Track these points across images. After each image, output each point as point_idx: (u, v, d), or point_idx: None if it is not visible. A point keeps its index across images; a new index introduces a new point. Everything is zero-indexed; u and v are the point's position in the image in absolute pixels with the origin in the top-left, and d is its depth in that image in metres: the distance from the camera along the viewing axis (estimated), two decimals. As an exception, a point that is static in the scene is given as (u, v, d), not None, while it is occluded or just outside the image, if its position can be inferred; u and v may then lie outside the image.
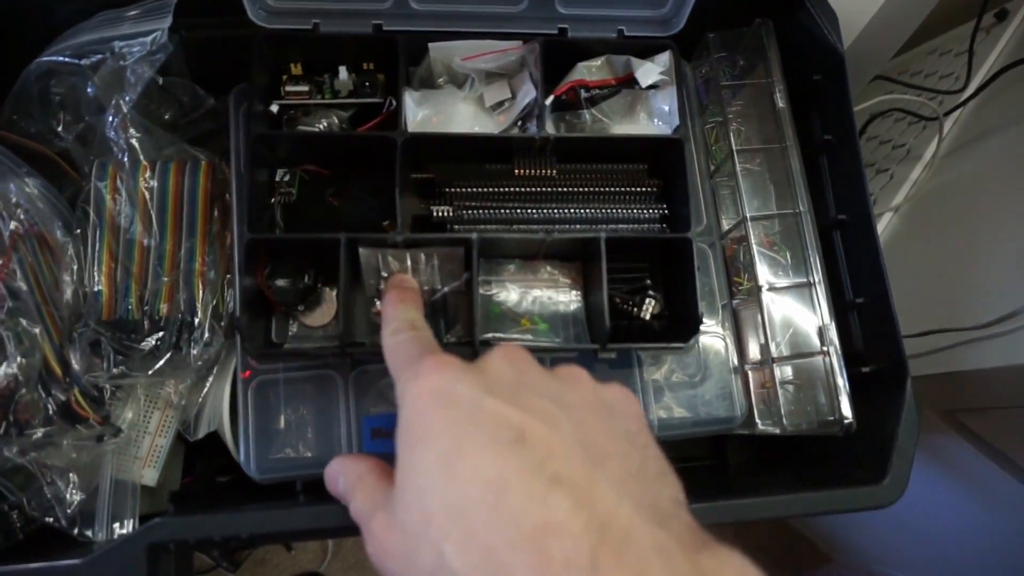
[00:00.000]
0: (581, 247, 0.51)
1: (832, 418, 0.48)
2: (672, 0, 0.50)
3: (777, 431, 0.49)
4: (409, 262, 0.47)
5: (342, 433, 0.48)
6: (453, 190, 0.50)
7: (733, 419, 0.51)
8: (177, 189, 0.49)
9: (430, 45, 0.50)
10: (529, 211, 0.51)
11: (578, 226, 0.51)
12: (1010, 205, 0.65)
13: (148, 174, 0.48)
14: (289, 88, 0.50)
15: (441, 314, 0.49)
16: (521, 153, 0.51)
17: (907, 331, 0.48)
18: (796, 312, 0.51)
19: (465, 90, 0.52)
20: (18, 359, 0.44)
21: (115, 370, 0.46)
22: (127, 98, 0.47)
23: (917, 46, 0.97)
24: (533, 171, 0.51)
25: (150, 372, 0.47)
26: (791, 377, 0.50)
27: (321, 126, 0.50)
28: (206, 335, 0.48)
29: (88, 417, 0.46)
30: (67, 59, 0.47)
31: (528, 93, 0.50)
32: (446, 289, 0.47)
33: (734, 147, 0.53)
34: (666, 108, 0.51)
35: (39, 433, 0.45)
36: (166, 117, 0.53)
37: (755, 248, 0.51)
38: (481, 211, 0.50)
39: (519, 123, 0.52)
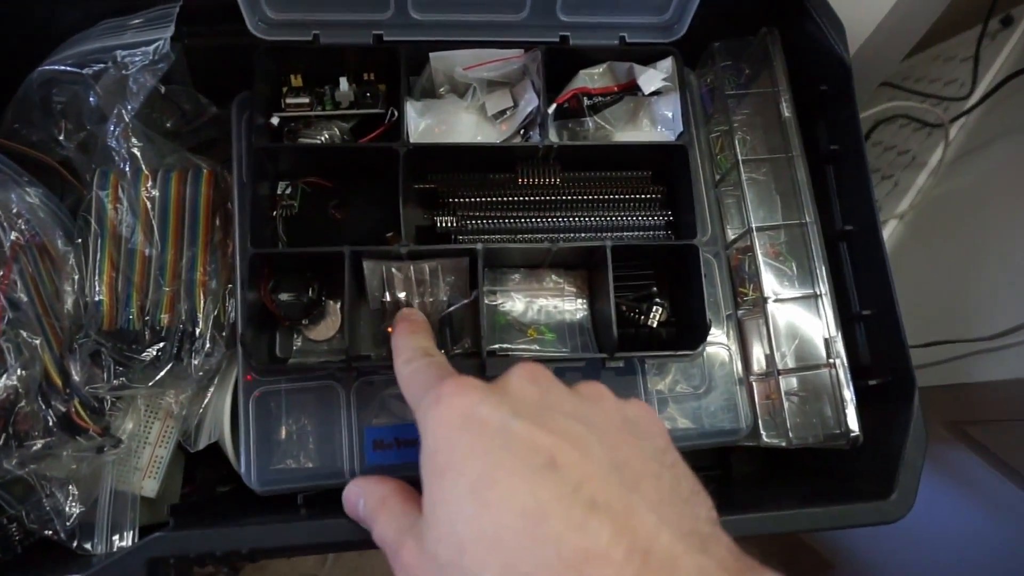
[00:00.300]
0: (586, 256, 0.51)
1: (838, 431, 0.47)
2: (674, 6, 0.50)
3: (783, 444, 0.48)
4: (413, 274, 0.47)
5: (344, 444, 0.48)
6: (456, 200, 0.49)
7: (738, 431, 0.51)
8: (179, 198, 0.49)
9: (431, 55, 0.50)
10: (533, 220, 0.50)
11: (583, 234, 0.51)
12: (1017, 214, 0.65)
13: (150, 183, 0.48)
14: (290, 100, 0.50)
15: (447, 326, 0.48)
16: (524, 162, 0.50)
17: (912, 341, 0.47)
18: (802, 323, 0.50)
19: (467, 99, 0.51)
20: (18, 371, 0.44)
21: (115, 381, 0.46)
22: (129, 107, 0.47)
23: (921, 51, 0.96)
24: (537, 180, 0.50)
25: (151, 383, 0.47)
26: (797, 389, 0.49)
27: (323, 138, 0.49)
28: (207, 345, 0.48)
29: (88, 428, 0.46)
30: (69, 68, 0.47)
31: (530, 101, 0.50)
32: (452, 308, 0.47)
33: (739, 156, 0.52)
34: (669, 114, 0.51)
35: (39, 444, 0.45)
36: (168, 125, 0.53)
37: (761, 259, 0.51)
38: (485, 221, 0.50)
39: (522, 132, 0.51)
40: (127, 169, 0.48)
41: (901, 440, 0.45)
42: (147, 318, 0.47)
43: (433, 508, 0.29)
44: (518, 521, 0.26)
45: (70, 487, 0.46)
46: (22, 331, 0.44)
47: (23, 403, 0.44)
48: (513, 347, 0.50)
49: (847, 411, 0.47)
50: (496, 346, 0.49)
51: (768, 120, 0.54)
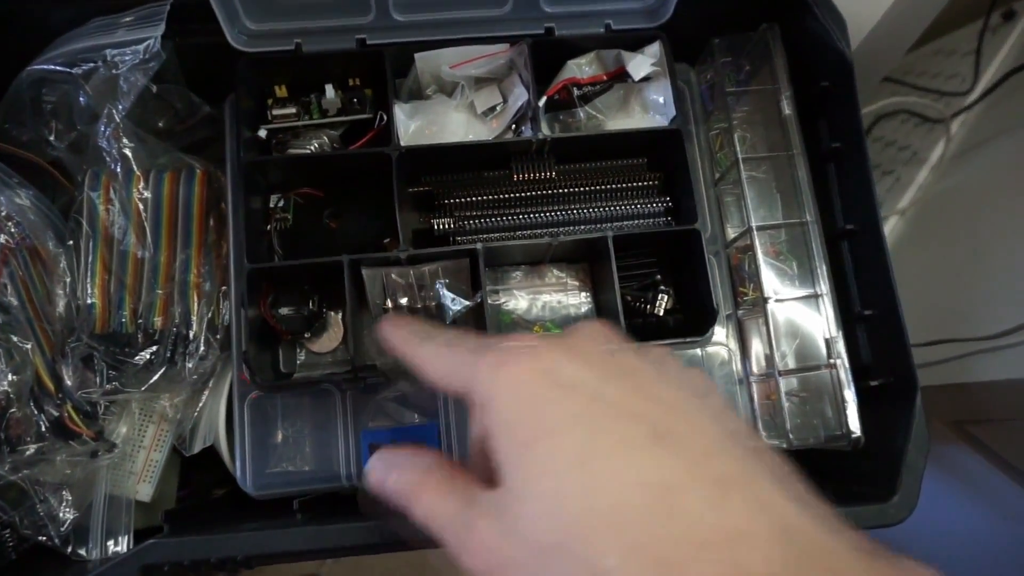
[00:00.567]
0: (588, 248, 0.50)
1: (839, 432, 0.47)
2: (658, -10, 0.49)
3: (783, 445, 0.48)
4: (414, 278, 0.46)
5: (340, 448, 0.47)
6: (453, 201, 0.49)
7: (738, 432, 0.50)
8: (172, 199, 0.48)
9: (416, 55, 0.49)
10: (532, 216, 0.50)
11: (583, 227, 0.50)
12: (1020, 211, 0.64)
13: (142, 184, 0.48)
14: (276, 111, 0.49)
15: (451, 328, 0.48)
16: (519, 157, 0.50)
17: (913, 340, 0.47)
18: (803, 323, 0.50)
19: (455, 98, 0.51)
20: (9, 376, 0.43)
21: (108, 385, 0.45)
22: (120, 107, 0.46)
23: (921, 46, 0.95)
24: (532, 175, 0.50)
25: (144, 388, 0.46)
26: (797, 389, 0.49)
27: (312, 147, 0.49)
28: (201, 348, 0.48)
29: (81, 433, 0.45)
30: (59, 67, 0.46)
31: (520, 96, 0.49)
32: (457, 311, 0.46)
33: (739, 154, 0.52)
34: (660, 99, 0.51)
35: (31, 449, 0.44)
36: (160, 124, 0.52)
37: (761, 258, 0.50)
38: (483, 220, 0.49)
39: (513, 127, 0.51)
40: (119, 170, 0.48)
41: (903, 442, 0.44)
42: (140, 321, 0.47)
43: (524, 483, 0.25)
44: (641, 496, 0.23)
45: (64, 492, 0.46)
46: (13, 335, 0.44)
47: (15, 408, 0.43)
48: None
49: (848, 412, 0.47)
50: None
51: (768, 117, 0.53)
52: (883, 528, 0.43)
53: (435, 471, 0.29)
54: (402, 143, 0.47)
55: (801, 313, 0.50)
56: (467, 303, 0.46)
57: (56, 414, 0.45)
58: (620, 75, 0.51)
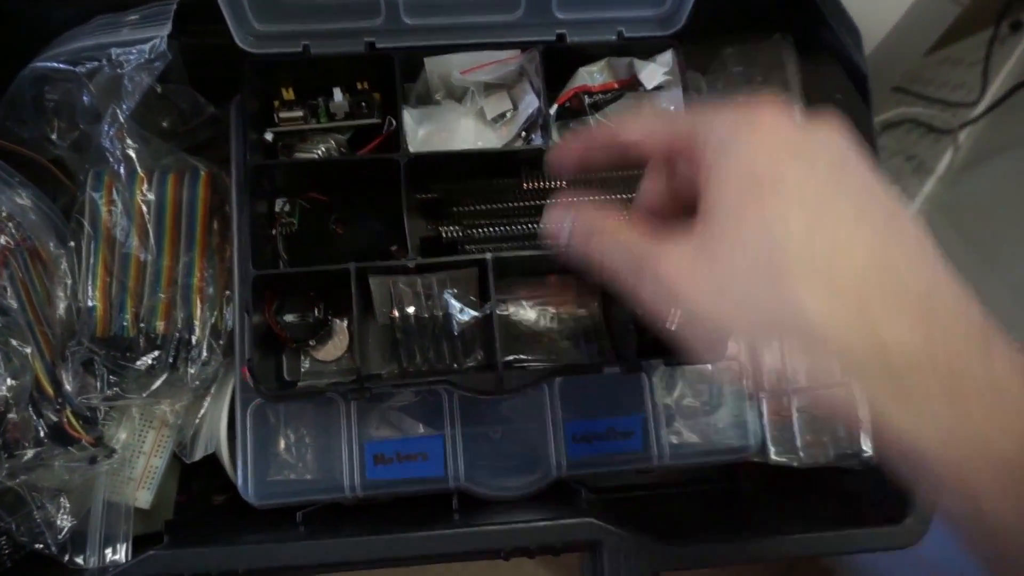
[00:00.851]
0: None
1: (850, 451, 0.46)
2: (671, -3, 0.49)
3: (793, 463, 0.47)
4: (421, 287, 0.45)
5: (344, 457, 0.46)
6: (461, 209, 0.48)
7: (746, 448, 0.49)
8: (175, 201, 0.47)
9: (426, 60, 0.48)
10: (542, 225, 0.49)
11: (594, 236, 0.49)
12: (1029, 226, 0.64)
13: (145, 185, 0.47)
14: (283, 114, 0.48)
15: (459, 339, 0.47)
16: (528, 165, 0.49)
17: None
18: (813, 339, 0.49)
19: (465, 104, 0.50)
20: (8, 380, 0.42)
21: (109, 391, 0.45)
22: (124, 107, 0.46)
23: (928, 55, 0.95)
24: (542, 183, 0.49)
25: (145, 394, 0.45)
26: (808, 407, 0.48)
27: (319, 152, 0.48)
28: (204, 354, 0.47)
29: (80, 438, 0.45)
30: (62, 65, 0.46)
31: (530, 103, 0.49)
32: (465, 321, 0.45)
33: (752, 166, 0.51)
34: (672, 108, 0.50)
35: (29, 455, 0.43)
36: (164, 125, 0.51)
37: (772, 272, 0.49)
38: (492, 229, 0.48)
39: (523, 134, 0.50)
40: (122, 170, 0.47)
41: (915, 462, 0.44)
42: (142, 325, 0.46)
43: (740, 222, 0.27)
44: (862, 252, 0.25)
45: (61, 499, 0.45)
46: (12, 339, 0.43)
47: (13, 413, 0.43)
48: (529, 358, 0.49)
49: (860, 430, 0.46)
50: (511, 357, 0.48)
51: (781, 129, 0.52)
52: (896, 550, 0.42)
53: (614, 215, 0.31)
54: (410, 149, 0.46)
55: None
56: (475, 313, 0.45)
57: (55, 419, 0.44)
58: (632, 84, 0.50)
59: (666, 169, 0.33)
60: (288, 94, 0.48)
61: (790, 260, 0.25)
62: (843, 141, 0.28)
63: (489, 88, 0.51)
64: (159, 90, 0.48)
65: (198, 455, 0.49)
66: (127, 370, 0.45)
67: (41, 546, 0.44)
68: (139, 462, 0.48)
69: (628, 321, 0.45)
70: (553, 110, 0.49)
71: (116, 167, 0.47)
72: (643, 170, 0.47)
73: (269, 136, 0.48)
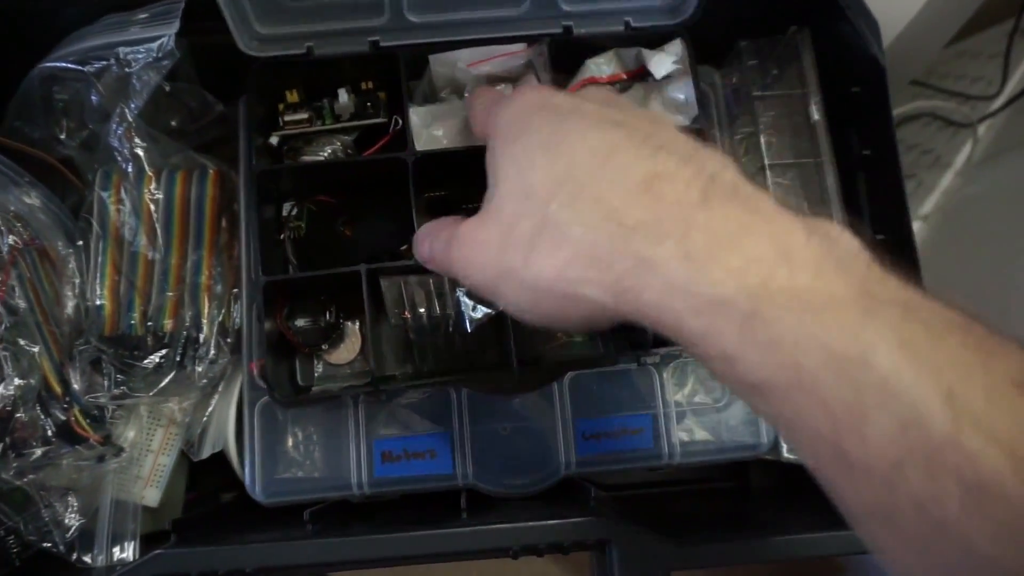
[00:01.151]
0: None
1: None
2: (680, -15, 0.48)
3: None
4: (433, 286, 0.45)
5: (352, 455, 0.46)
6: (471, 207, 0.47)
7: (758, 446, 0.49)
8: (183, 199, 0.47)
9: (431, 57, 0.48)
10: (553, 219, 0.48)
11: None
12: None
13: (153, 184, 0.47)
14: (288, 117, 0.47)
15: (473, 337, 0.46)
16: (539, 161, 0.48)
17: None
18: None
19: (471, 100, 0.49)
20: (16, 380, 0.42)
21: (117, 389, 0.45)
22: (132, 105, 0.46)
23: (946, 47, 0.93)
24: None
25: (153, 392, 0.45)
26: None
27: (325, 154, 0.47)
28: (211, 352, 0.47)
29: (88, 437, 0.44)
30: (71, 65, 0.45)
31: None
32: (478, 318, 0.45)
33: (766, 161, 0.50)
34: (683, 97, 0.49)
35: (37, 453, 0.43)
36: (173, 123, 0.51)
37: (786, 268, 0.48)
38: (501, 226, 0.48)
39: (531, 128, 0.49)
40: (130, 169, 0.47)
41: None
42: (150, 324, 0.46)
43: (500, 175, 0.30)
44: (588, 158, 0.28)
45: (69, 497, 0.45)
46: (20, 339, 0.43)
47: (21, 412, 0.43)
48: (543, 354, 0.48)
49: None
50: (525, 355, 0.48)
51: (796, 123, 0.51)
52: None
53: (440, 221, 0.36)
54: (418, 147, 0.46)
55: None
56: (488, 311, 0.45)
57: (63, 418, 0.44)
58: (640, 74, 0.49)
59: None
60: (293, 96, 0.48)
61: (535, 186, 0.29)
62: (582, 96, 0.32)
63: (495, 82, 0.50)
64: (167, 89, 0.48)
65: (206, 453, 0.49)
66: (135, 368, 0.45)
67: (49, 545, 0.44)
68: (147, 460, 0.48)
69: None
70: (561, 103, 0.48)
71: (124, 166, 0.47)
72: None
73: (275, 140, 0.47)
